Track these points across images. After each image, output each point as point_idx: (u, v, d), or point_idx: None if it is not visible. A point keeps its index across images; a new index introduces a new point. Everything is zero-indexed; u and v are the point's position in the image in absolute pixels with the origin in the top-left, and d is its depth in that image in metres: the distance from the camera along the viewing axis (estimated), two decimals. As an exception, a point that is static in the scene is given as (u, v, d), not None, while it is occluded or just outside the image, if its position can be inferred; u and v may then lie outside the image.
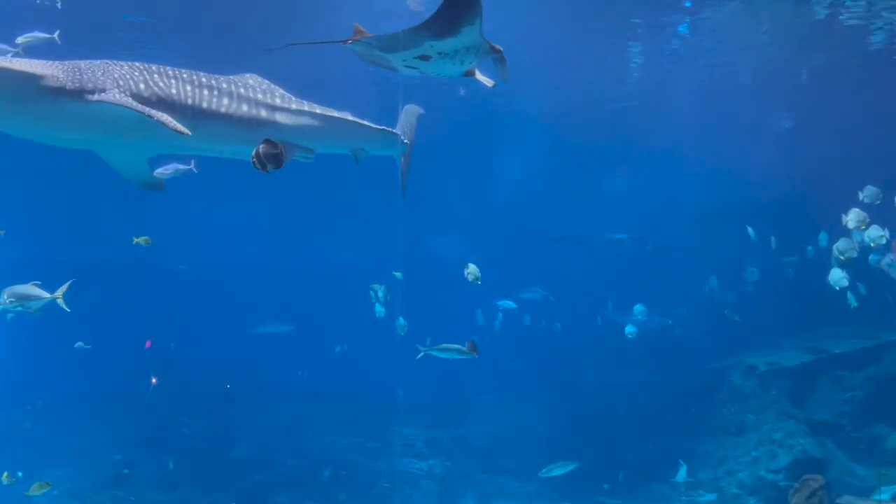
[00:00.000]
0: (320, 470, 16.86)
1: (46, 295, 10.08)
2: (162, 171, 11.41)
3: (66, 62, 7.86)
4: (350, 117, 9.39)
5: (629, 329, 17.47)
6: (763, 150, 21.13)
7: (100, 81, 7.78)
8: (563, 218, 25.77)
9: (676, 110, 19.14)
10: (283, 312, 21.55)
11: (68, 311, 10.58)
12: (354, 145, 9.62)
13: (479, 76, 8.58)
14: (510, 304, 20.67)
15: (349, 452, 17.41)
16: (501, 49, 7.69)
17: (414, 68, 7.87)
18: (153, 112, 7.78)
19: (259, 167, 7.11)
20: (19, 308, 10.19)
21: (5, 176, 18.20)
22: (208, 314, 21.09)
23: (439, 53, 7.47)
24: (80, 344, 16.23)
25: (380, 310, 17.15)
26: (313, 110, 9.20)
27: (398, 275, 16.94)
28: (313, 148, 9.32)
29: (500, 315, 20.90)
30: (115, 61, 8.06)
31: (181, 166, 11.70)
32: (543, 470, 15.06)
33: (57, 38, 10.53)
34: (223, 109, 8.50)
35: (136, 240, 11.05)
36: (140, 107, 7.81)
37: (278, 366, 19.79)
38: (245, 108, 8.75)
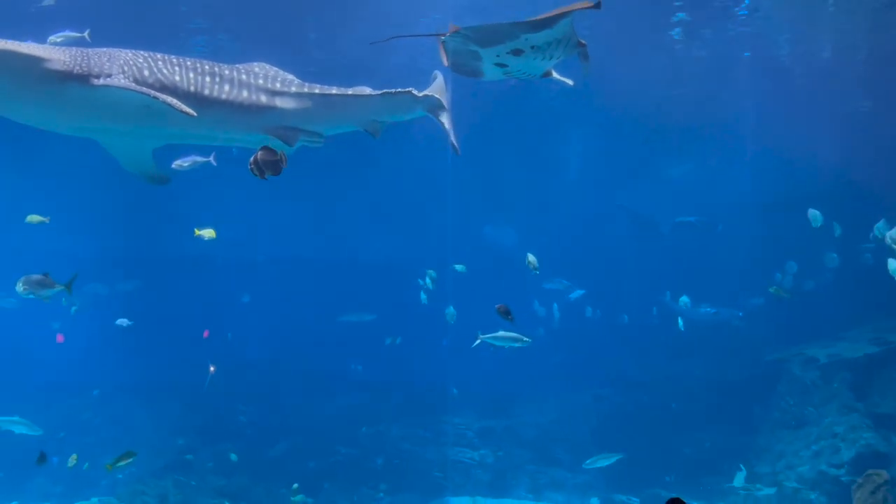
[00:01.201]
0: (373, 459, 17.04)
1: (57, 285, 10.58)
2: (180, 163, 11.24)
3: (73, 48, 8.05)
4: (367, 91, 9.24)
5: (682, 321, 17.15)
6: (836, 133, 20.10)
7: (106, 67, 7.90)
8: (626, 203, 24.98)
9: (744, 92, 18.42)
10: (335, 303, 21.73)
11: (73, 305, 11.09)
12: (367, 119, 9.43)
13: (557, 75, 8.56)
14: (578, 291, 20.37)
15: (401, 441, 17.54)
16: (585, 43, 7.72)
17: (503, 65, 7.89)
18: (158, 94, 7.88)
19: (257, 173, 7.23)
20: (31, 296, 10.66)
21: (72, 173, 18.76)
22: (265, 306, 21.45)
23: (532, 47, 7.49)
24: (122, 321, 16.75)
25: (424, 297, 17.22)
26: (313, 91, 9.10)
27: (460, 267, 16.94)
28: (322, 132, 9.25)
29: (554, 305, 20.62)
30: (120, 49, 8.15)
31: (199, 158, 11.50)
32: (588, 461, 14.94)
33: (87, 36, 10.48)
34: (224, 96, 8.57)
35: (197, 232, 11.31)
36: (146, 90, 7.89)
37: (331, 356, 20.04)
38: (246, 93, 8.75)
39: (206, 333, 17.39)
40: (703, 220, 24.12)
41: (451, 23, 7.90)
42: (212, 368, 14.77)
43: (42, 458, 12.56)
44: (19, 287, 10.29)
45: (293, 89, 9.06)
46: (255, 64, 9.19)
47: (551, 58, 7.83)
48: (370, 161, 20.66)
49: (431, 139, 19.96)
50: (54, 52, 7.72)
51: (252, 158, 7.18)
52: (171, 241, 19.80)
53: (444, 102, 9.73)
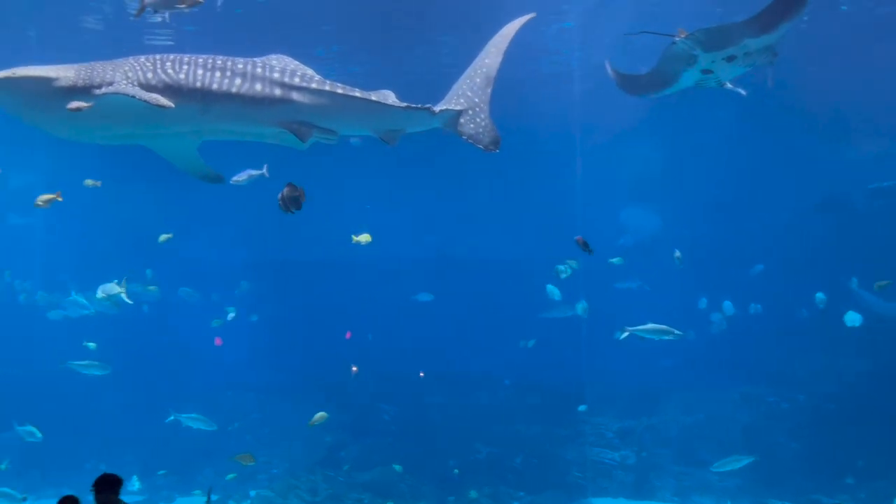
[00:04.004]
0: (512, 457, 17.03)
1: (122, 289, 11.78)
2: (237, 179, 12.02)
3: (81, 64, 8.62)
4: (391, 99, 9.13)
5: (853, 317, 15.30)
6: None
7: (108, 76, 8.39)
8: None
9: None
10: (468, 303, 21.92)
11: (131, 303, 12.14)
12: (383, 126, 9.33)
13: (730, 85, 8.57)
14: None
15: (539, 441, 17.41)
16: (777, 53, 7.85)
17: (709, 72, 8.12)
18: (138, 92, 8.16)
19: (283, 209, 7.73)
20: (107, 302, 11.79)
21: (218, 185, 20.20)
22: (403, 307, 22.00)
23: (745, 53, 7.81)
24: (231, 315, 17.79)
25: (557, 292, 16.93)
26: (335, 90, 9.00)
27: (617, 260, 16.63)
28: (335, 130, 9.17)
29: (726, 302, 19.48)
30: (135, 56, 8.58)
31: (254, 172, 12.18)
32: (717, 464, 14.18)
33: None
34: (234, 90, 8.65)
35: (355, 238, 12.01)
36: (124, 90, 8.19)
37: (468, 355, 20.25)
38: (258, 87, 8.78)
39: (348, 335, 18.21)
40: None
41: (679, 28, 8.11)
42: (354, 368, 15.40)
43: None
44: (99, 294, 11.64)
45: (313, 85, 9.01)
46: (274, 57, 9.20)
47: (749, 65, 8.08)
48: (498, 156, 20.72)
49: (554, 128, 19.90)
50: (62, 70, 8.48)
51: (279, 195, 7.80)
52: (322, 246, 20.86)
53: (469, 101, 9.53)
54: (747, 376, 18.22)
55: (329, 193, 21.35)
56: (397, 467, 16.16)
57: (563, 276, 15.45)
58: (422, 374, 15.02)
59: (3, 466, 15.27)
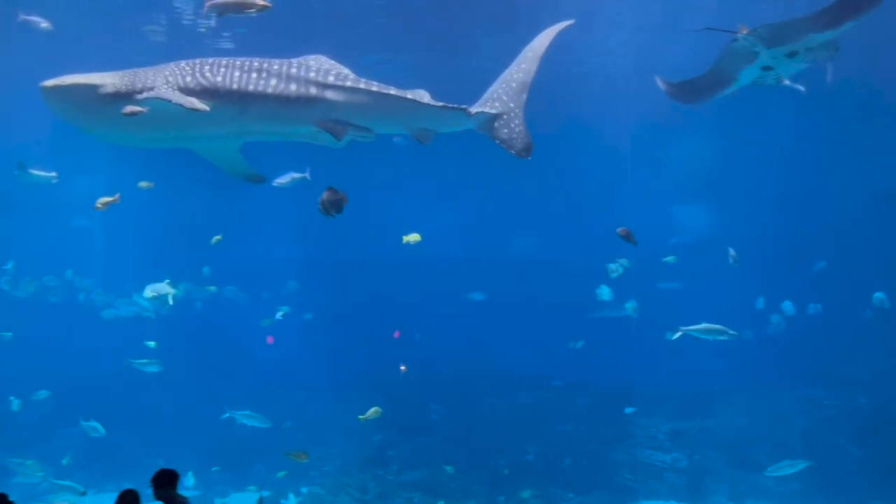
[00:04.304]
0: (561, 458, 16.91)
1: (170, 290, 12.20)
2: (280, 181, 12.44)
3: (129, 70, 8.79)
4: (426, 99, 9.12)
5: None
6: None
7: (149, 81, 8.62)
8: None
9: None
10: (517, 303, 21.84)
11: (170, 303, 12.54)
12: (417, 125, 9.32)
13: (788, 81, 8.55)
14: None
15: (588, 442, 17.25)
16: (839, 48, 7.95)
17: (769, 68, 8.11)
18: (171, 95, 8.35)
19: (324, 212, 7.93)
20: (156, 301, 12.20)
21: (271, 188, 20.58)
22: (452, 307, 22.05)
23: (808, 49, 7.85)
24: (280, 314, 18.06)
25: (608, 292, 16.73)
26: (369, 88, 9.05)
27: (670, 259, 16.37)
28: (371, 127, 9.22)
29: (786, 302, 18.99)
30: (181, 61, 8.77)
31: (296, 174, 12.56)
32: (771, 468, 13.82)
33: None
34: (270, 90, 8.77)
35: (405, 238, 12.23)
36: (162, 94, 8.38)
37: (517, 355, 20.17)
38: (293, 86, 8.86)
39: (396, 334, 18.31)
40: None
41: (740, 24, 8.13)
42: (403, 368, 15.50)
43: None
44: (147, 293, 12.08)
45: (347, 83, 9.07)
46: (311, 57, 9.28)
47: (811, 61, 8.03)
48: (546, 153, 20.62)
49: (605, 125, 19.68)
50: (107, 77, 8.73)
51: (320, 199, 8.03)
52: (373, 246, 21.05)
53: (504, 105, 9.52)
54: (804, 378, 17.74)
55: (379, 193, 21.58)
56: (449, 468, 16.20)
57: (614, 275, 15.27)
58: (403, 369, 15.01)
59: (65, 461, 15.81)
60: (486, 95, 9.69)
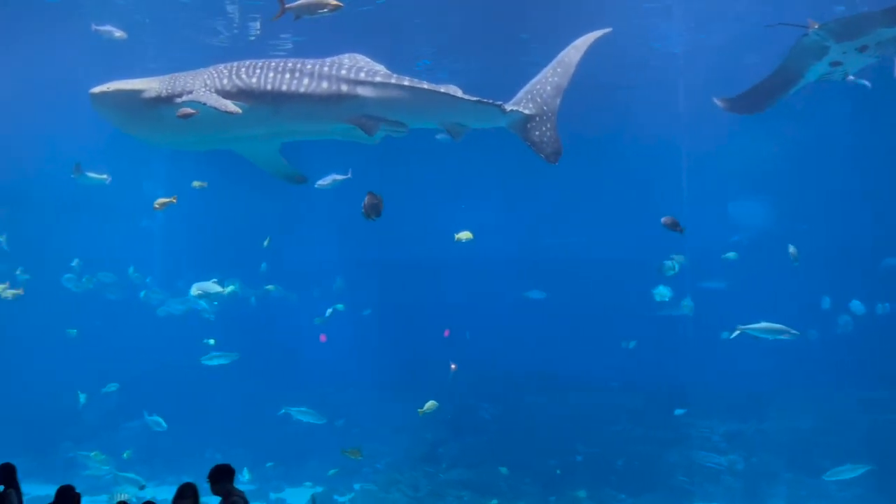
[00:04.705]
0: (613, 459, 16.73)
1: (219, 288, 12.45)
2: (322, 182, 12.71)
3: (170, 75, 8.93)
4: (459, 93, 9.07)
5: None
6: None
7: (188, 85, 8.83)
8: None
9: None
10: (568, 302, 21.66)
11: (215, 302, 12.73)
12: (448, 119, 9.28)
13: (852, 77, 8.56)
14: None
15: (641, 443, 17.01)
16: None
17: (838, 63, 8.16)
18: (206, 98, 8.48)
19: (366, 216, 8.33)
20: (204, 299, 12.50)
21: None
22: (503, 306, 22.02)
23: (878, 43, 7.90)
24: (330, 311, 18.29)
25: (666, 291, 16.44)
26: (401, 83, 9.04)
27: (731, 255, 16.02)
28: (405, 122, 9.21)
29: (854, 301, 18.44)
30: (220, 65, 8.92)
31: (338, 176, 12.82)
32: (830, 472, 13.40)
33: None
34: (302, 90, 8.84)
35: (457, 237, 12.45)
36: (200, 97, 8.52)
37: (568, 355, 20.03)
38: (325, 85, 8.90)
39: (446, 333, 18.38)
40: None
41: (809, 18, 8.12)
42: (453, 366, 15.56)
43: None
44: (194, 291, 12.43)
45: (377, 79, 9.08)
46: (346, 55, 9.36)
47: (879, 55, 8.02)
48: (603, 153, 20.47)
49: (661, 122, 19.36)
50: (151, 82, 8.98)
51: (363, 203, 8.36)
52: (424, 245, 21.21)
53: (538, 108, 9.44)
54: (868, 380, 17.16)
55: (431, 192, 21.73)
56: (503, 469, 16.19)
57: (671, 272, 15.02)
58: (453, 367, 15.01)
59: (125, 455, 16.33)
60: (521, 95, 9.68)
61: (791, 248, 14.05)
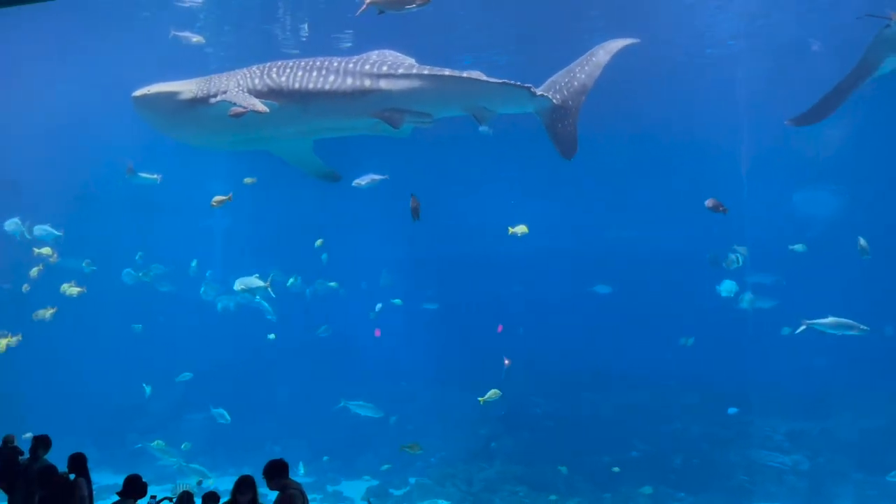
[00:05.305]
0: (670, 457, 16.43)
1: (262, 283, 12.72)
2: (359, 181, 12.89)
3: (206, 76, 9.04)
4: (482, 78, 9.04)
5: None
6: None
7: (223, 86, 8.99)
8: None
9: None
10: (624, 298, 21.33)
11: (274, 296, 12.85)
12: (477, 104, 9.21)
13: None
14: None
15: (700, 441, 16.67)
16: None
17: None
18: (236, 97, 8.62)
19: (413, 217, 8.87)
20: (248, 294, 12.79)
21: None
22: (555, 302, 21.85)
23: None
24: (379, 306, 18.36)
25: (731, 286, 16.01)
26: (422, 72, 9.03)
27: (799, 247, 15.53)
28: (429, 112, 9.22)
29: None
30: (254, 66, 9.06)
31: (376, 176, 12.99)
32: (894, 472, 12.85)
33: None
34: (328, 86, 8.93)
35: (511, 230, 12.45)
36: (231, 97, 8.68)
37: (623, 352, 19.77)
38: (350, 80, 8.96)
39: (499, 328, 18.33)
40: None
41: (892, 12, 8.08)
42: (507, 362, 15.52)
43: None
44: (237, 286, 12.78)
45: (399, 70, 9.08)
46: (375, 52, 9.42)
47: None
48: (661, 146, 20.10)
49: (721, 114, 18.86)
50: (188, 84, 9.20)
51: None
52: (477, 241, 21.21)
53: (564, 100, 9.32)
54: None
55: (488, 188, 21.66)
56: (563, 469, 16.10)
57: (734, 265, 14.62)
58: (507, 363, 14.92)
59: (183, 446, 16.80)
60: (549, 84, 9.65)
61: (861, 241, 13.51)
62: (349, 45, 16.52)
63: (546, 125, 9.60)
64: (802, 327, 11.40)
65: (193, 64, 16.21)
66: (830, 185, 21.65)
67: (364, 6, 8.31)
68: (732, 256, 14.51)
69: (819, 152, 20.29)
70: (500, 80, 9.31)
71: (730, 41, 16.99)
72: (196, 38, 13.59)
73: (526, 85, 9.40)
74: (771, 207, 20.39)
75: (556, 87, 9.58)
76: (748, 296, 16.89)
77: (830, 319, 11.50)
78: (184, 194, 19.81)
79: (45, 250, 16.00)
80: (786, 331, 16.11)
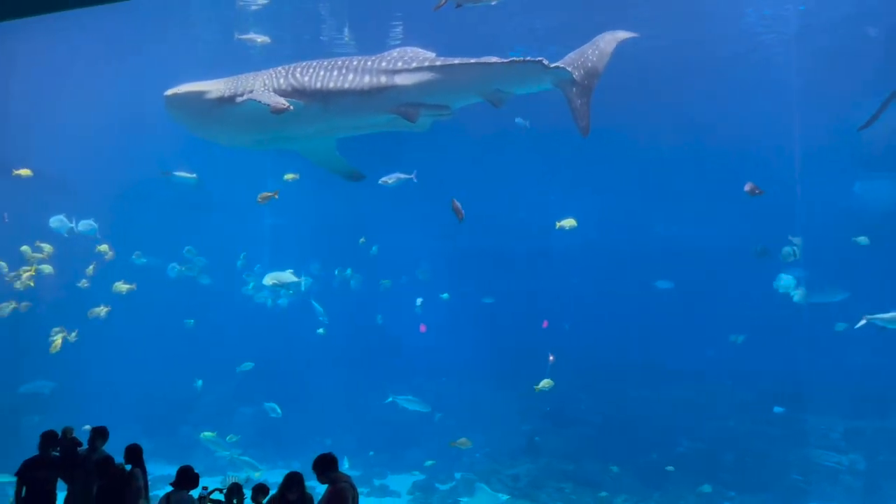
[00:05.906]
0: (719, 454, 16.11)
1: (294, 278, 12.89)
2: (385, 180, 12.96)
3: (234, 76, 9.12)
4: (489, 59, 9.03)
5: None
6: None
7: (249, 85, 9.12)
8: None
9: None
10: (671, 294, 20.97)
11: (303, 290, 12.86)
12: (491, 87, 9.19)
13: None
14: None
15: (751, 438, 16.29)
16: None
17: None
18: (260, 96, 8.76)
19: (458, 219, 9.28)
20: (280, 288, 13.02)
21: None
22: (601, 297, 21.58)
23: None
24: (420, 301, 18.32)
25: (790, 281, 15.59)
26: (433, 64, 9.06)
27: (862, 240, 15.10)
28: (446, 104, 9.27)
29: None
30: (280, 66, 9.16)
31: (402, 175, 13.03)
32: None
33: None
34: (347, 85, 9.03)
35: (558, 224, 12.29)
36: (256, 96, 8.81)
37: (674, 347, 19.43)
38: (367, 78, 9.05)
39: (545, 324, 18.18)
40: None
41: None
42: (551, 357, 15.43)
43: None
44: (267, 281, 12.99)
45: (413, 65, 9.11)
46: (396, 49, 9.47)
47: None
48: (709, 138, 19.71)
49: (771, 105, 18.36)
50: (216, 83, 9.35)
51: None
52: (523, 236, 21.08)
53: (581, 78, 9.21)
54: None
55: (535, 184, 21.50)
56: (614, 468, 15.95)
57: (791, 259, 14.22)
58: (552, 358, 14.76)
59: (228, 438, 17.11)
60: (566, 59, 9.62)
61: None
62: (398, 42, 16.62)
63: (568, 99, 9.58)
64: (863, 322, 11.00)
65: (247, 66, 16.52)
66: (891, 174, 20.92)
67: (443, 1, 8.34)
68: (789, 250, 14.07)
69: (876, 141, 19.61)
70: (508, 59, 9.32)
71: (783, 29, 16.54)
72: (261, 39, 13.83)
73: (536, 59, 9.36)
74: (827, 199, 19.77)
75: (574, 63, 9.58)
76: (803, 290, 16.43)
77: (893, 314, 11.08)
78: (236, 193, 20.11)
79: (103, 247, 16.41)
80: (840, 326, 15.67)
